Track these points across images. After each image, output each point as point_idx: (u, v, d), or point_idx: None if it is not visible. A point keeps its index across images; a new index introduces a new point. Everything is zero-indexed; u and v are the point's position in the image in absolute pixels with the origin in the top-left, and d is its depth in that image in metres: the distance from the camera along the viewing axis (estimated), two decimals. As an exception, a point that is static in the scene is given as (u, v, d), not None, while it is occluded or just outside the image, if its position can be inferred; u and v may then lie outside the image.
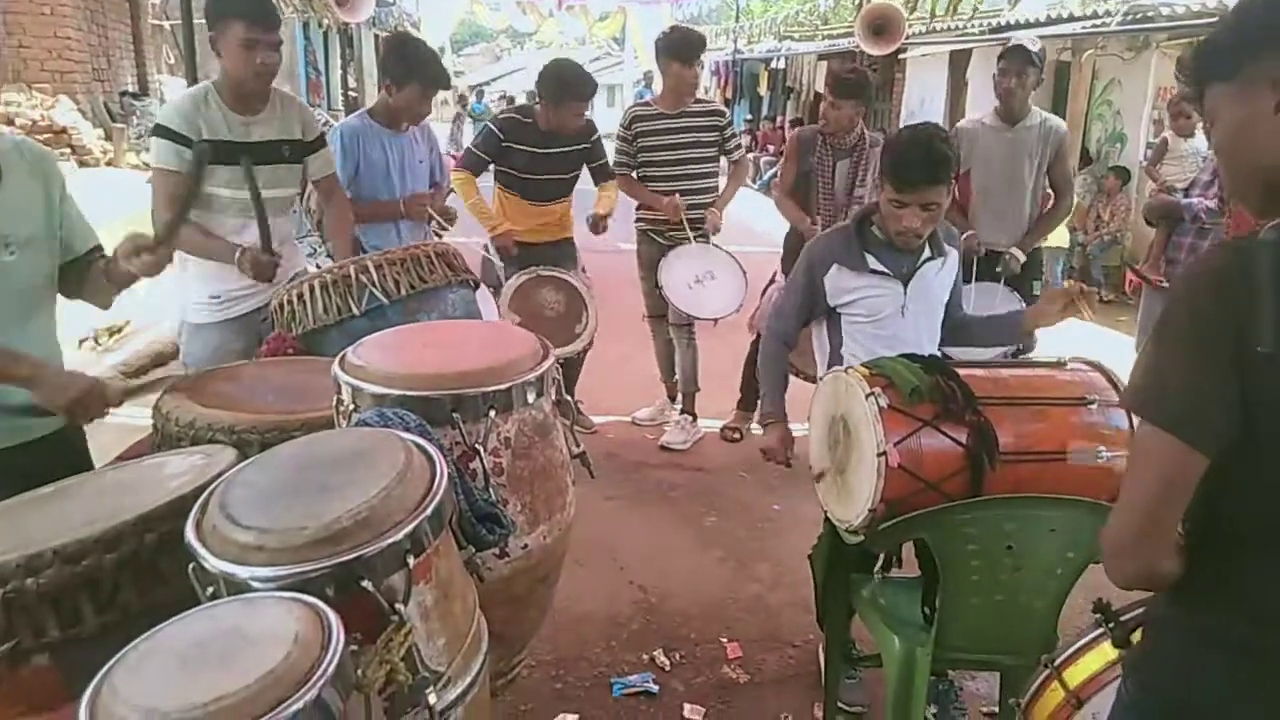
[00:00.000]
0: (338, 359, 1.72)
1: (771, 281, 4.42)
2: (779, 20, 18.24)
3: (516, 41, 38.62)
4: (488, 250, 4.24)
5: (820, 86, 15.80)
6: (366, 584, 1.12)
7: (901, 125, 12.09)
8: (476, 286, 2.59)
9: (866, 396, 2.01)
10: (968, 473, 1.97)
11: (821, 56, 15.42)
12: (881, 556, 2.44)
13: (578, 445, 2.04)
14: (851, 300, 2.49)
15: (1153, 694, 1.24)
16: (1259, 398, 1.01)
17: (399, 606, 1.15)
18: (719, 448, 4.58)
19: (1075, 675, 1.62)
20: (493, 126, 4.17)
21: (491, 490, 1.62)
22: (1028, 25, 9.59)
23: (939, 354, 2.48)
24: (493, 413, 1.64)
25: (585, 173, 4.33)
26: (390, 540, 1.16)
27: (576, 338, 3.97)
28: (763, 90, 18.72)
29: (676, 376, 4.69)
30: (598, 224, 4.24)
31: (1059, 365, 2.24)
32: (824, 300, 2.51)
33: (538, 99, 4.12)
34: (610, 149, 4.37)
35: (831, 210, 4.15)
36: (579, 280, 4.12)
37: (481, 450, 1.62)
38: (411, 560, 1.18)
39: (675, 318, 4.44)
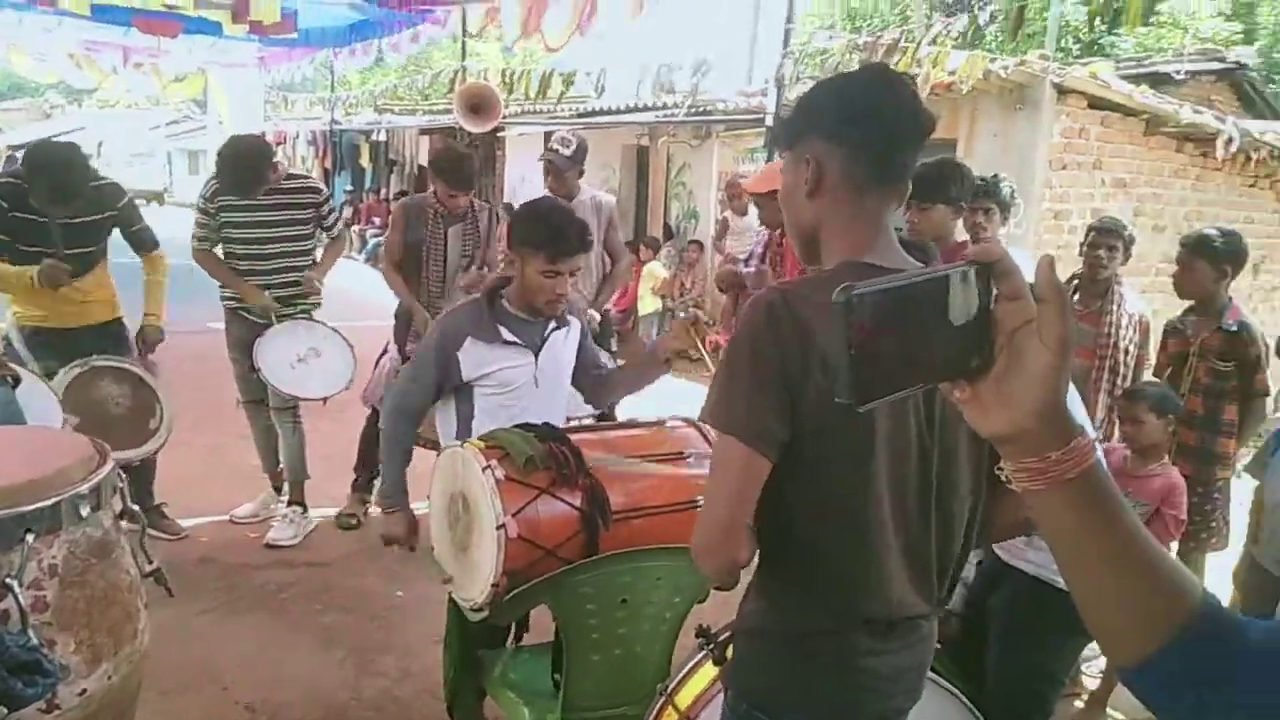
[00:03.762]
0: None
1: (384, 352, 4.26)
2: (377, 92, 18.11)
3: (73, 98, 33.97)
4: (8, 340, 3.55)
5: (423, 160, 15.95)
6: None
7: (504, 200, 12.58)
8: (16, 384, 2.15)
9: (483, 470, 1.98)
10: (584, 535, 2.02)
11: (424, 131, 15.57)
12: (512, 626, 2.41)
13: (150, 561, 1.74)
14: (487, 374, 2.45)
15: (746, 697, 1.38)
16: (800, 408, 1.21)
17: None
18: (335, 538, 4.26)
19: (685, 697, 1.76)
20: None
21: (31, 632, 1.31)
22: (611, 111, 10.54)
23: (601, 414, 2.51)
24: (31, 537, 1.34)
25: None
26: None
27: (152, 435, 3.46)
28: (365, 162, 18.41)
29: (281, 465, 4.30)
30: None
31: (660, 424, 2.40)
32: (458, 375, 2.44)
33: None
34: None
35: (444, 279, 4.13)
36: (141, 368, 3.62)
37: (15, 586, 1.31)
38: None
39: (276, 401, 4.08)
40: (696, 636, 1.65)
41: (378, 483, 2.63)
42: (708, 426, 2.28)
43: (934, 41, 6.75)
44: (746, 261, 5.23)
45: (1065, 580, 0.69)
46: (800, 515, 1.28)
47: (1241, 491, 3.53)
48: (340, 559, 4.01)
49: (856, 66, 6.82)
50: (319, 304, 4.15)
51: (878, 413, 1.26)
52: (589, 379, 2.69)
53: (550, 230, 2.37)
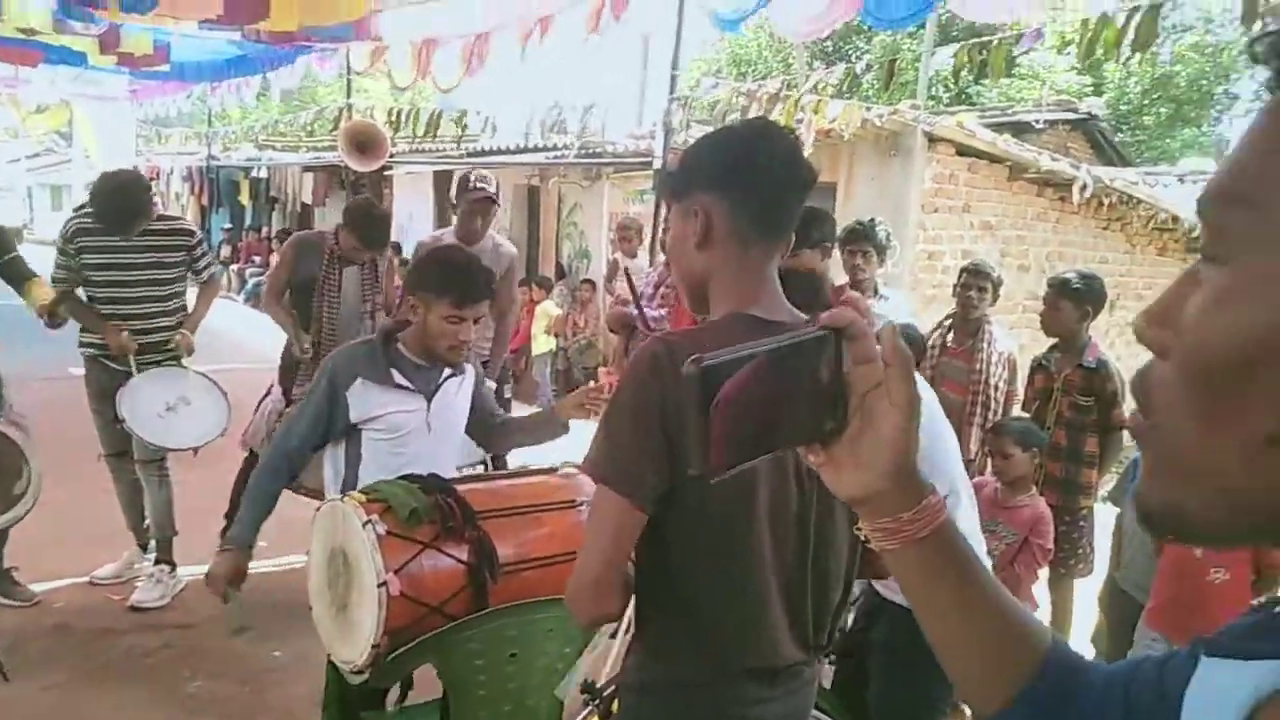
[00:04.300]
0: None
1: (267, 393, 4.08)
2: (258, 128, 17.57)
3: (-82, 128, 31.75)
4: None
5: (307, 197, 15.53)
6: None
7: (394, 239, 12.34)
8: None
9: (364, 524, 1.90)
10: (471, 589, 1.96)
11: (307, 168, 15.17)
12: (397, 685, 2.32)
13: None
14: (376, 417, 2.36)
15: None
16: (683, 459, 1.19)
17: None
18: (206, 597, 3.96)
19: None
20: None
21: None
22: (503, 151, 10.53)
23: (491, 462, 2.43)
24: None
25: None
26: None
27: (18, 500, 3.17)
28: (244, 199, 17.79)
29: (147, 521, 4.03)
30: None
31: (551, 471, 2.37)
32: (345, 415, 2.35)
33: None
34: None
35: (340, 320, 4.00)
36: (6, 424, 3.35)
37: None
38: None
39: (142, 453, 3.83)
40: (581, 693, 1.62)
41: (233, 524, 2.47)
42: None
43: (815, 90, 7.02)
44: (636, 304, 5.28)
45: (925, 632, 0.71)
46: (683, 566, 1.28)
47: (1106, 519, 3.73)
48: (211, 619, 3.77)
49: (740, 113, 7.05)
50: (191, 352, 3.94)
51: (759, 466, 1.27)
52: (484, 427, 2.64)
53: (456, 276, 2.33)
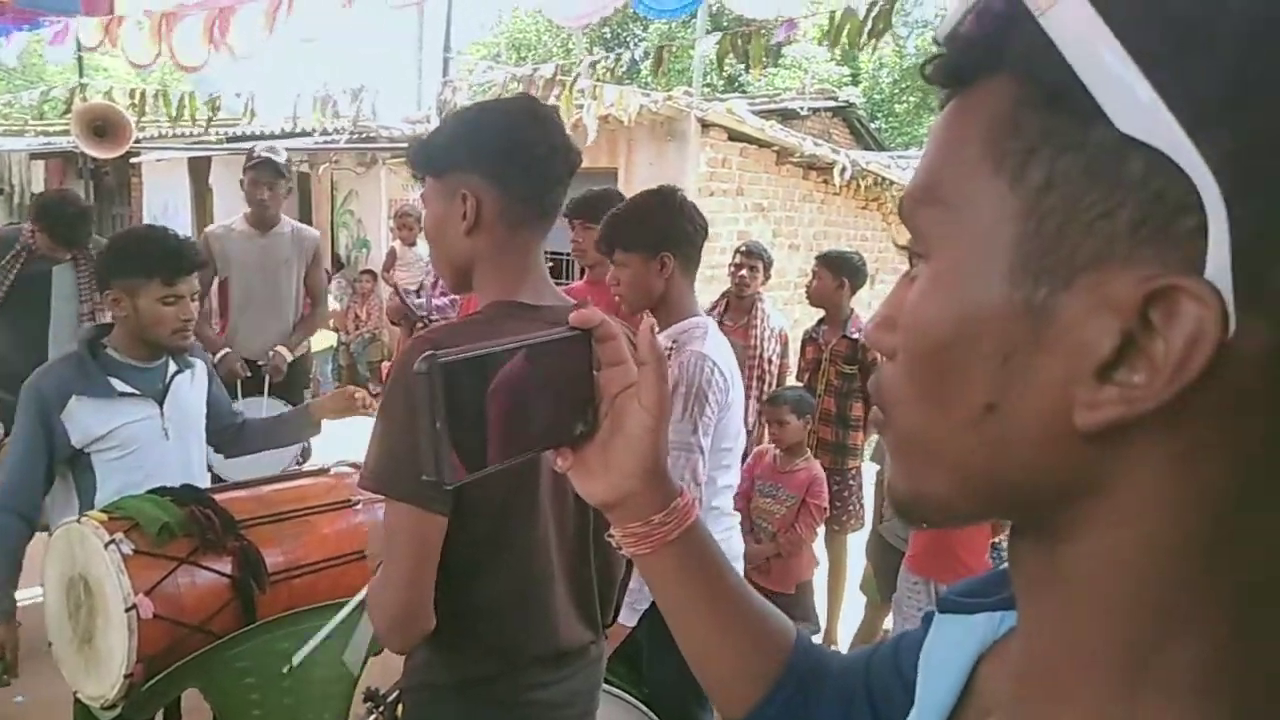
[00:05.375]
0: None
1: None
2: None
3: None
4: None
5: (38, 187, 13.83)
6: None
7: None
8: None
9: (106, 545, 1.72)
10: (237, 603, 1.83)
11: (36, 155, 13.51)
12: (159, 717, 2.13)
13: None
14: (103, 436, 2.07)
15: None
16: None
17: None
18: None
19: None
20: None
21: None
22: (267, 136, 9.84)
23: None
24: None
25: None
26: None
27: None
28: (-40, 190, 15.62)
29: None
30: None
31: (323, 472, 2.24)
32: (66, 443, 2.03)
33: None
34: None
35: (47, 328, 3.52)
36: None
37: None
38: None
39: None
40: (365, 700, 1.55)
41: None
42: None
43: (595, 75, 7.08)
44: (418, 292, 5.14)
45: (675, 638, 0.70)
46: (463, 561, 1.23)
47: (871, 476, 4.04)
48: (-63, 670, 3.30)
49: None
50: None
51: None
52: (222, 429, 2.40)
53: (160, 252, 2.07)
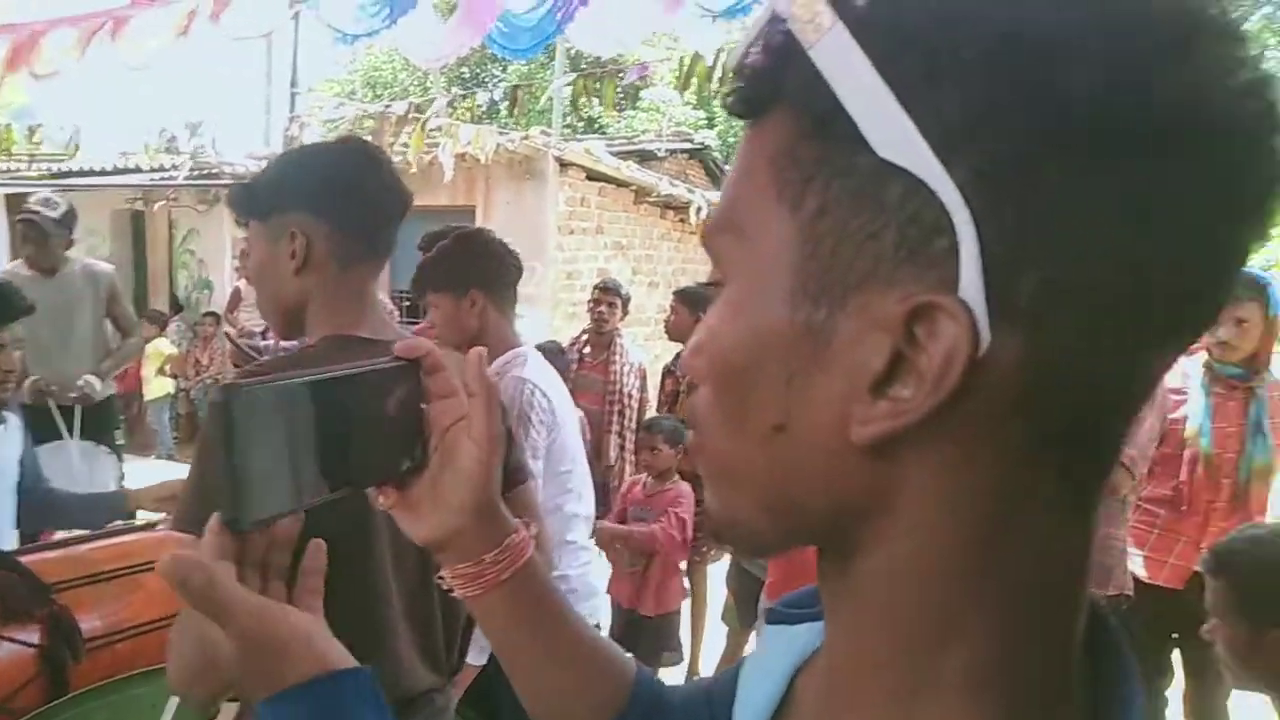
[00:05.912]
0: None
1: None
2: None
3: None
4: None
5: None
6: None
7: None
8: None
9: (-115, 620, 1.53)
10: (45, 675, 1.66)
11: None
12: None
13: None
14: None
15: None
16: None
17: None
18: None
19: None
20: None
21: None
22: (96, 172, 9.23)
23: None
24: None
25: None
26: None
27: None
28: None
29: None
30: None
31: (150, 528, 2.09)
32: None
33: None
34: None
35: None
36: None
37: None
38: None
39: None
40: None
41: None
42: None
43: (453, 114, 7.03)
44: (264, 334, 4.90)
45: (510, 678, 0.68)
46: None
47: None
48: None
49: (371, 135, 6.83)
50: None
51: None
52: (28, 495, 2.21)
53: None
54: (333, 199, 1.25)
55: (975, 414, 0.34)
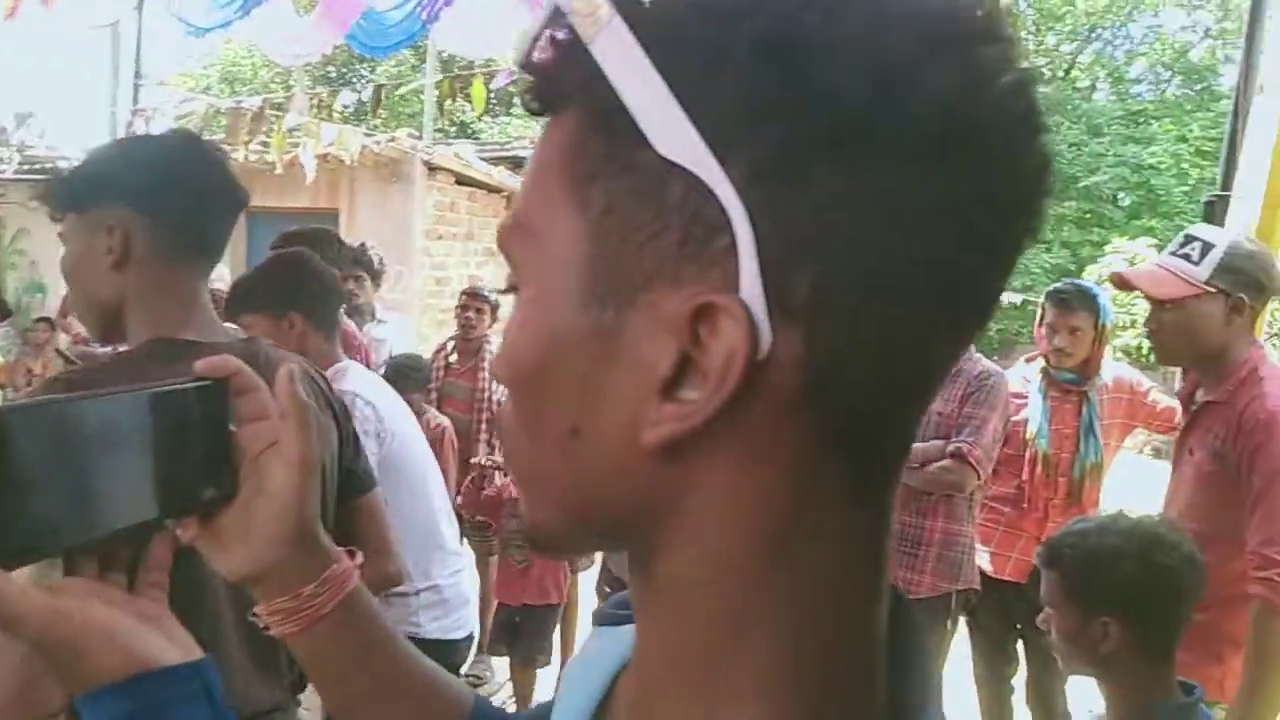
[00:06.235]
0: None
1: None
2: None
3: None
4: None
5: None
6: None
7: None
8: None
9: None
10: None
11: None
12: None
13: None
14: None
15: None
16: None
17: None
18: None
19: None
20: None
21: None
22: (-93, 164, 8.43)
23: None
24: None
25: None
26: None
27: None
28: None
29: None
30: None
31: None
32: None
33: None
34: None
35: None
36: None
37: None
38: None
39: None
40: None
41: None
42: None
43: (316, 113, 6.78)
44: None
45: (335, 717, 0.64)
46: None
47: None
48: None
49: (225, 132, 6.51)
50: None
51: None
52: None
53: None
54: (156, 192, 1.20)
55: (760, 413, 0.34)
